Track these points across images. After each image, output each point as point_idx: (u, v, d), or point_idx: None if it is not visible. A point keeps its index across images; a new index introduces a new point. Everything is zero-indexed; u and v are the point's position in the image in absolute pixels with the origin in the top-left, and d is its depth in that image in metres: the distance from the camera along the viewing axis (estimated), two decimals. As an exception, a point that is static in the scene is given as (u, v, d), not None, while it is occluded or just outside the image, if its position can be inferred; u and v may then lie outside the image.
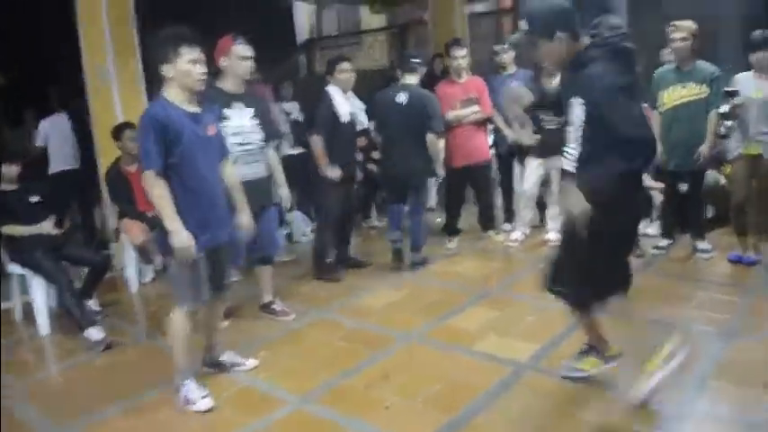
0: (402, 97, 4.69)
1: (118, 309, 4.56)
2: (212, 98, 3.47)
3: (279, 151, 4.49)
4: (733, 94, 4.36)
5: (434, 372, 3.22)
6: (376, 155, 6.31)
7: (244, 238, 3.39)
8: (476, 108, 5.17)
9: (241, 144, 3.68)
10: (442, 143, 4.88)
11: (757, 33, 4.31)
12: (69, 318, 3.95)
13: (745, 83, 4.34)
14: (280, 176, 4.01)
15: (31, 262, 4.08)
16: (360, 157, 5.34)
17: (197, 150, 2.85)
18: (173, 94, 2.85)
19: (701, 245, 4.73)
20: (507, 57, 5.48)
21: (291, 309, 4.12)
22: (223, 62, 3.64)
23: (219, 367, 3.31)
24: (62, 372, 3.69)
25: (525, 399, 2.89)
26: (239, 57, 3.62)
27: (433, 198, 6.53)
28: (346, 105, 4.59)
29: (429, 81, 5.75)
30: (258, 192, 3.69)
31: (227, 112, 3.63)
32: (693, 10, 4.95)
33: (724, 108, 4.35)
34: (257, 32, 4.06)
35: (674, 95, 4.46)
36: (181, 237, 2.75)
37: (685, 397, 2.79)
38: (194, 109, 2.90)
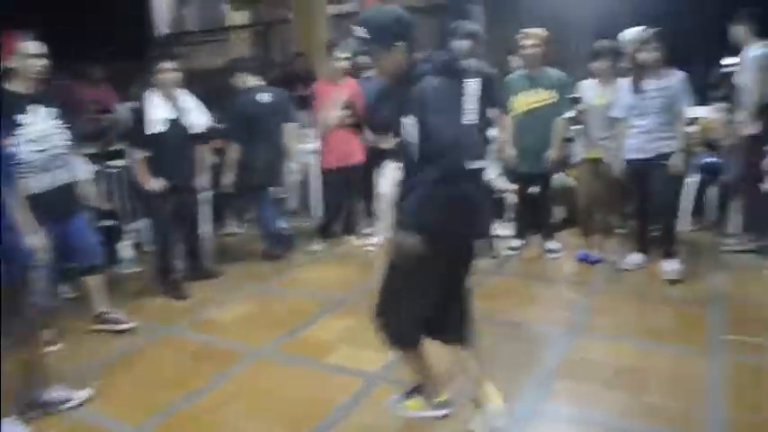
0: (265, 97, 4.72)
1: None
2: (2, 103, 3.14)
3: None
4: (577, 100, 4.56)
5: (285, 388, 3.06)
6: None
7: (40, 264, 2.96)
8: (349, 111, 5.04)
9: (42, 150, 3.30)
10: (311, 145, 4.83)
11: (599, 43, 4.53)
12: None
13: (588, 90, 4.55)
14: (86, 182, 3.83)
15: None
16: (212, 161, 4.93)
17: None
18: None
19: (551, 245, 4.91)
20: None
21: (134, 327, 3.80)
22: (10, 62, 3.26)
23: (45, 408, 2.88)
24: None
25: (376, 412, 2.80)
26: (28, 55, 3.25)
27: (294, 199, 6.36)
28: (165, 110, 4.15)
29: (290, 80, 5.58)
30: (64, 199, 3.41)
31: (21, 117, 3.25)
32: (551, 18, 5.15)
33: (570, 114, 4.54)
34: (108, 26, 3.74)
35: (525, 101, 4.59)
36: None
37: (529, 397, 2.82)
38: None
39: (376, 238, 5.28)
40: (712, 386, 2.90)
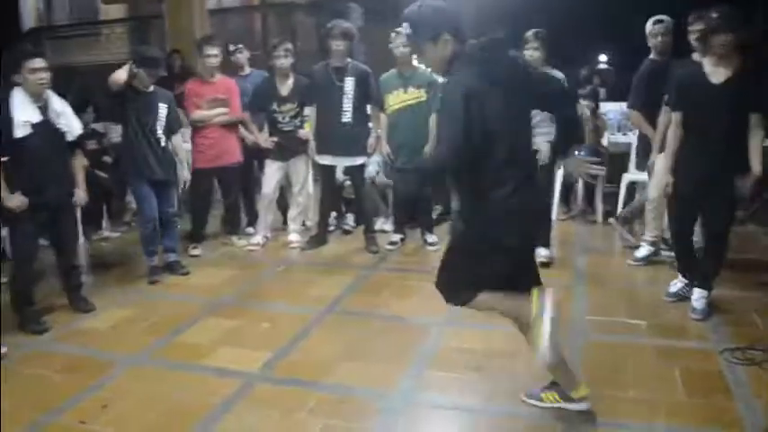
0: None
1: None
2: None
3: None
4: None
5: (159, 395, 2.98)
6: (108, 159, 5.83)
7: None
8: (224, 109, 4.96)
9: None
10: (187, 145, 4.64)
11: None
12: None
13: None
14: None
15: None
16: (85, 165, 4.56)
17: None
18: None
19: (430, 238, 5.09)
20: (242, 57, 5.38)
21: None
22: None
23: None
24: None
25: (253, 412, 2.80)
26: None
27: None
28: (31, 112, 3.65)
29: (166, 78, 5.41)
30: None
31: None
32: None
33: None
34: None
35: (398, 99, 4.73)
36: None
37: (404, 387, 2.93)
38: None
39: (258, 238, 5.26)
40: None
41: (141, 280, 4.57)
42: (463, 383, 2.98)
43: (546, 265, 4.41)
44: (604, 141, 6.05)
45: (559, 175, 5.38)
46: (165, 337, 3.62)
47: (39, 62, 3.62)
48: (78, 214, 5.17)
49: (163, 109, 4.41)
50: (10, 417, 2.83)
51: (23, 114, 3.62)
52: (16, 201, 3.59)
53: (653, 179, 4.33)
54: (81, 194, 4.01)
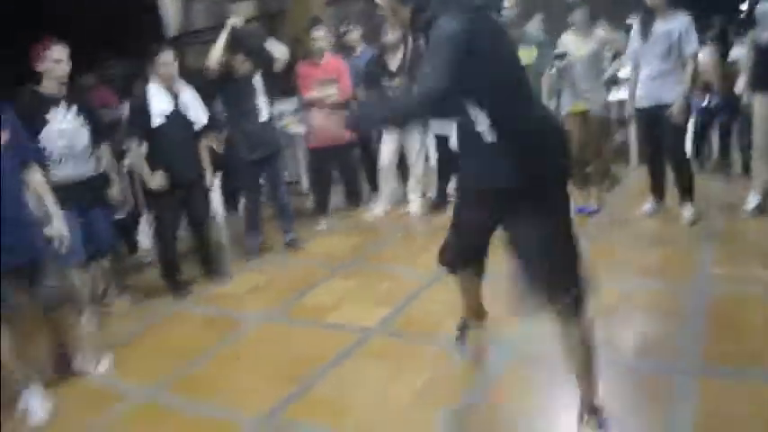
0: None
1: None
2: (30, 103, 3.44)
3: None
4: (561, 55, 4.64)
5: (284, 347, 3.28)
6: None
7: (59, 246, 3.13)
8: (334, 90, 5.19)
9: (66, 146, 3.58)
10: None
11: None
12: None
13: (569, 43, 4.63)
14: (113, 174, 3.96)
15: None
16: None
17: None
18: None
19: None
20: (353, 37, 5.57)
21: (150, 305, 4.08)
22: (39, 67, 3.52)
23: (69, 372, 3.17)
24: None
25: (367, 362, 2.99)
26: (54, 60, 3.50)
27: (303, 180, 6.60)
28: (166, 102, 4.05)
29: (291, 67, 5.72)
30: (85, 190, 3.65)
31: (47, 115, 3.52)
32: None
33: (554, 68, 4.63)
34: (122, 30, 3.92)
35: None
36: None
37: (511, 339, 2.97)
38: None
39: (379, 209, 5.45)
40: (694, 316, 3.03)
41: (271, 249, 4.91)
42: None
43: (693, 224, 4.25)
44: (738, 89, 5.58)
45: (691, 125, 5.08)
46: (291, 298, 3.91)
47: (166, 55, 4.02)
48: (218, 193, 5.68)
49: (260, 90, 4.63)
50: (159, 362, 3.27)
51: (159, 105, 4.05)
52: (158, 179, 4.04)
53: (755, 122, 3.99)
54: (209, 176, 4.41)
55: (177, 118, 4.09)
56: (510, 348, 2.90)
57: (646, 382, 2.54)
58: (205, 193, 4.57)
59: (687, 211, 4.26)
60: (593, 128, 4.66)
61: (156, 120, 4.03)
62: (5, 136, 2.80)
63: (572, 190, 2.20)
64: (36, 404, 2.84)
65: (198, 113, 4.20)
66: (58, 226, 3.04)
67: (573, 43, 4.60)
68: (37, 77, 3.54)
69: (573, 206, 4.33)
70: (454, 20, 1.87)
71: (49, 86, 3.56)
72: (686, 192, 4.30)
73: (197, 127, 4.21)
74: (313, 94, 5.15)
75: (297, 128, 6.26)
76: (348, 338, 3.21)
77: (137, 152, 4.13)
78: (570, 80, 4.66)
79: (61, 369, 3.18)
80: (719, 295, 3.25)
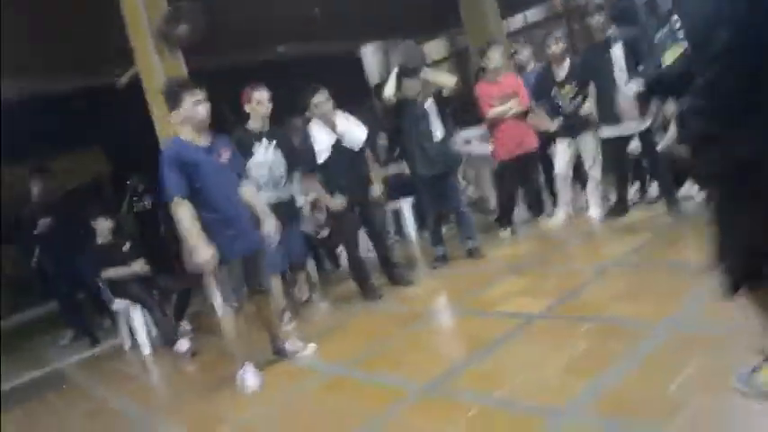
0: None
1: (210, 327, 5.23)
2: (241, 138, 4.21)
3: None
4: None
5: (459, 333, 3.71)
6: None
7: (272, 244, 3.82)
8: (512, 103, 5.42)
9: (266, 174, 4.36)
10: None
11: None
12: (164, 335, 4.73)
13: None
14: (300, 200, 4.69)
15: (129, 293, 4.92)
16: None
17: (213, 176, 3.38)
18: (185, 133, 3.41)
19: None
20: (522, 56, 5.86)
21: (347, 306, 4.72)
22: (247, 108, 4.34)
23: (282, 354, 3.84)
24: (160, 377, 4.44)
25: (529, 339, 3.21)
26: (257, 101, 4.30)
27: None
28: (327, 137, 4.59)
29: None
30: (283, 212, 4.21)
31: (253, 148, 4.32)
32: None
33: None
34: (335, 85, 4.70)
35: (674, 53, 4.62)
36: (199, 252, 3.26)
37: (670, 320, 2.99)
38: (205, 143, 3.44)
39: (560, 215, 5.56)
40: None
41: (456, 259, 5.28)
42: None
43: None
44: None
45: None
46: (469, 294, 4.27)
47: (322, 96, 4.55)
48: (409, 213, 6.24)
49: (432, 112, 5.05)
50: (350, 350, 3.79)
51: (323, 140, 4.59)
52: (338, 201, 4.61)
53: None
54: (376, 189, 4.83)
55: (339, 145, 4.61)
56: None
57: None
58: (381, 209, 5.12)
59: None
60: None
61: (323, 155, 4.59)
62: (227, 154, 3.55)
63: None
64: (250, 377, 3.52)
65: (353, 138, 4.64)
66: (269, 226, 3.69)
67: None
68: (246, 116, 4.37)
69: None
70: None
71: (253, 123, 4.36)
72: None
73: (357, 147, 4.67)
74: (496, 109, 5.47)
75: (483, 149, 6.61)
76: (513, 323, 3.46)
77: (312, 182, 4.75)
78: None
79: (275, 352, 3.87)
80: None
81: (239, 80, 4.37)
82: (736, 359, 2.25)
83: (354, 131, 4.68)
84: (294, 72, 6.79)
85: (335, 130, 4.62)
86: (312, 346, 3.90)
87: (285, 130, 4.90)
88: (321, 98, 4.57)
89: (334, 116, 4.64)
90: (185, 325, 5.08)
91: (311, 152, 4.60)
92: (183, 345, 4.58)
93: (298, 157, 4.65)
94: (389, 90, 4.97)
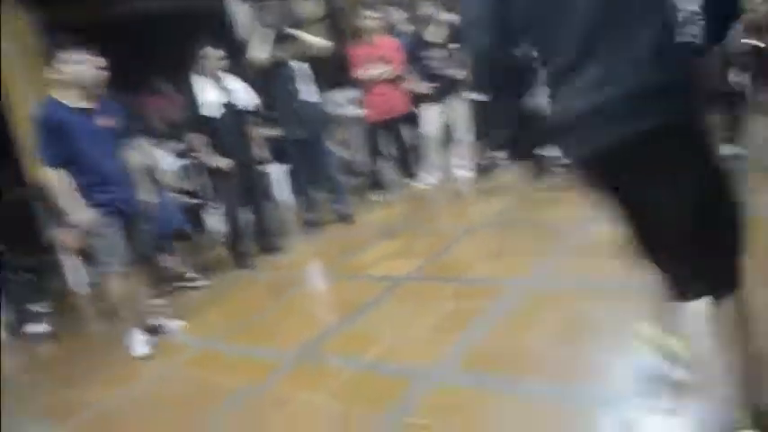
0: None
1: (65, 308, 4.92)
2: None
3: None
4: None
5: (332, 295, 3.82)
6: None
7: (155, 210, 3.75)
8: (385, 67, 5.42)
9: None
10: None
11: None
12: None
13: None
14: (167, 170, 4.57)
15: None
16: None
17: (89, 139, 3.24)
18: (62, 95, 3.22)
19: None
20: (394, 18, 5.84)
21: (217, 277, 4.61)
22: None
23: (152, 330, 3.65)
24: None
25: (397, 302, 3.28)
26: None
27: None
28: (215, 94, 4.48)
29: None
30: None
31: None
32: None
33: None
34: (203, 44, 4.43)
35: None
36: (78, 214, 3.19)
37: (538, 274, 3.16)
38: (86, 105, 3.27)
39: (430, 178, 5.68)
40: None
41: (328, 224, 5.24)
42: (597, 268, 2.96)
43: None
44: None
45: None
46: (342, 258, 4.30)
47: (213, 51, 4.45)
48: (283, 178, 6.12)
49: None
50: (229, 319, 3.74)
51: (210, 96, 4.44)
52: (225, 161, 4.47)
53: None
54: (258, 152, 4.80)
55: (229, 106, 4.51)
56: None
57: None
58: (262, 175, 4.99)
59: None
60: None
61: (211, 110, 4.43)
62: (110, 119, 3.37)
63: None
64: (138, 343, 3.47)
65: (245, 97, 4.61)
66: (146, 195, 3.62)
67: None
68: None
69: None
70: None
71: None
72: None
73: (250, 108, 4.62)
74: (369, 72, 5.42)
75: (355, 111, 6.57)
76: (383, 286, 3.51)
77: (196, 142, 4.57)
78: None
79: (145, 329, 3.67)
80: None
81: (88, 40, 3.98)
82: (589, 312, 2.42)
83: (245, 94, 4.61)
84: (160, 29, 6.41)
85: (224, 87, 4.48)
86: (179, 323, 3.76)
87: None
88: (212, 52, 4.44)
89: (222, 73, 4.52)
90: (41, 307, 4.69)
91: (196, 109, 4.42)
92: (38, 327, 4.27)
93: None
94: (262, 51, 4.78)
